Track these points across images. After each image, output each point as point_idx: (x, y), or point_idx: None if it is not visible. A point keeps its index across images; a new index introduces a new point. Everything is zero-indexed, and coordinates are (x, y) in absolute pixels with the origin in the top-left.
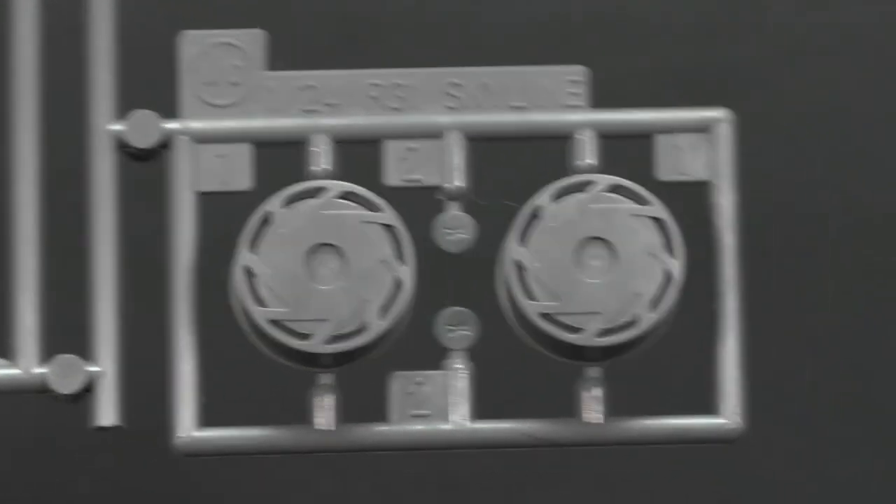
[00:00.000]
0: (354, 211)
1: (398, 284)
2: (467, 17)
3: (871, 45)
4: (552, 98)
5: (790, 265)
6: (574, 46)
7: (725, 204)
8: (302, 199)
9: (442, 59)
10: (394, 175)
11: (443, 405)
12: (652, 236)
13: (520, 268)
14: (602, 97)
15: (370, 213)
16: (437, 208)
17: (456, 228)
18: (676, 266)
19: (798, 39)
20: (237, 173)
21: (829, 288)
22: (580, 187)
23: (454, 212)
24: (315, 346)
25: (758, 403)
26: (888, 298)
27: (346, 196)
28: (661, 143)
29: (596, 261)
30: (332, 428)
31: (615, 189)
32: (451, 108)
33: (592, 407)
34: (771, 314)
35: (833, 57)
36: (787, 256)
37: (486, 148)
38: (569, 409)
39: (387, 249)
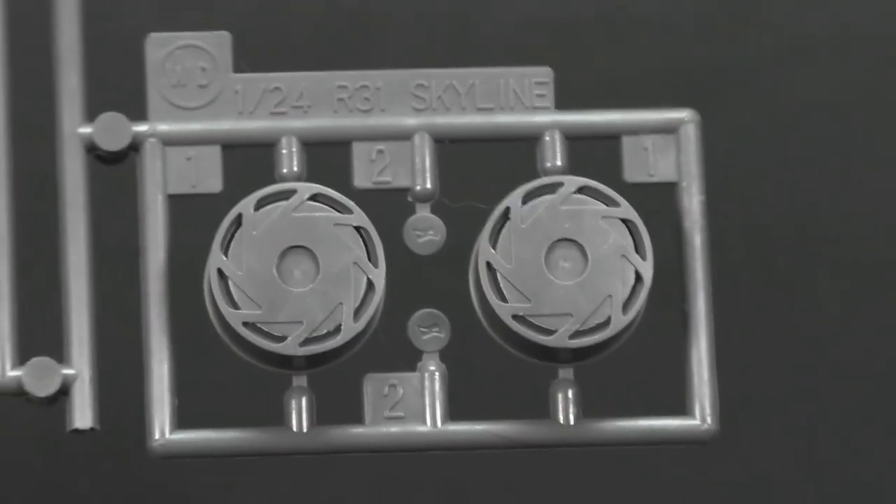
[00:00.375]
0: (326, 213)
1: (371, 286)
2: (440, 18)
3: (846, 46)
4: (518, 100)
5: (759, 265)
6: (555, 49)
7: (693, 204)
8: (273, 201)
9: (411, 61)
10: (363, 177)
11: (417, 407)
12: (622, 238)
13: (491, 269)
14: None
15: (341, 215)
16: (407, 210)
17: (426, 230)
18: (647, 267)
19: (765, 40)
20: (207, 176)
21: (800, 287)
22: (550, 189)
23: (424, 213)
24: (289, 348)
25: (728, 405)
26: (856, 297)
27: (317, 198)
28: (628, 144)
29: (566, 262)
30: (307, 430)
31: (584, 191)
32: (418, 110)
33: (565, 408)
34: (739, 314)
35: (816, 57)
36: (756, 256)
37: (454, 150)
38: (542, 410)
39: (358, 251)
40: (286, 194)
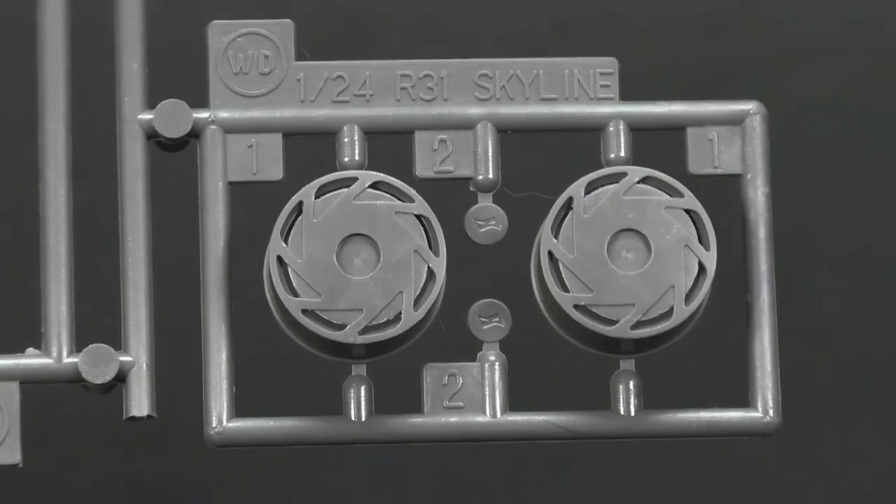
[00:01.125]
0: (387, 201)
1: (431, 275)
2: (505, 10)
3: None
4: (583, 90)
5: (821, 258)
6: (599, 40)
7: (759, 197)
8: (334, 189)
9: (476, 51)
10: (425, 166)
11: (476, 397)
12: (685, 228)
13: (553, 259)
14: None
15: (403, 203)
16: (469, 199)
17: (488, 220)
18: (710, 258)
19: (821, 35)
20: (268, 163)
21: (865, 280)
22: (613, 179)
23: (486, 203)
24: (348, 336)
25: (791, 397)
26: None
27: (379, 186)
28: (693, 135)
29: (629, 252)
30: (365, 419)
31: (648, 181)
32: (481, 100)
33: (626, 399)
34: (803, 307)
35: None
36: (817, 249)
37: (517, 140)
38: (603, 401)
39: (419, 240)
40: (347, 182)
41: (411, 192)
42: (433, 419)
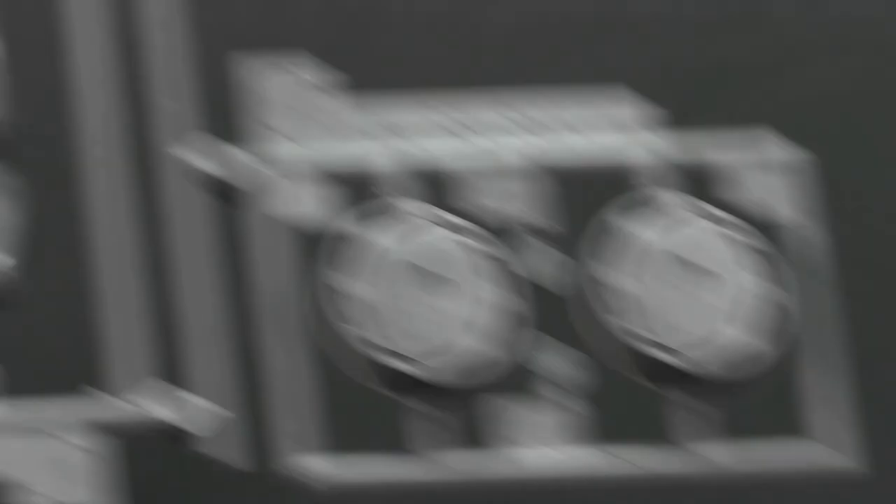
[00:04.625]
0: (451, 236)
1: (491, 309)
2: (521, 34)
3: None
4: (614, 120)
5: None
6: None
7: (814, 239)
8: (395, 223)
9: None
10: (486, 202)
11: (539, 433)
12: (748, 264)
13: (614, 292)
14: None
15: (468, 240)
16: (517, 237)
17: (548, 259)
18: (777, 295)
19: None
20: (313, 196)
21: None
22: (675, 214)
23: (535, 240)
24: (408, 370)
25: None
26: None
27: (441, 222)
28: (743, 175)
29: (691, 286)
30: (427, 455)
31: (710, 216)
32: (515, 134)
33: (691, 434)
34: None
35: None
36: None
37: (555, 175)
38: (660, 434)
39: (487, 278)
40: (400, 215)
41: (478, 229)
42: (493, 454)
